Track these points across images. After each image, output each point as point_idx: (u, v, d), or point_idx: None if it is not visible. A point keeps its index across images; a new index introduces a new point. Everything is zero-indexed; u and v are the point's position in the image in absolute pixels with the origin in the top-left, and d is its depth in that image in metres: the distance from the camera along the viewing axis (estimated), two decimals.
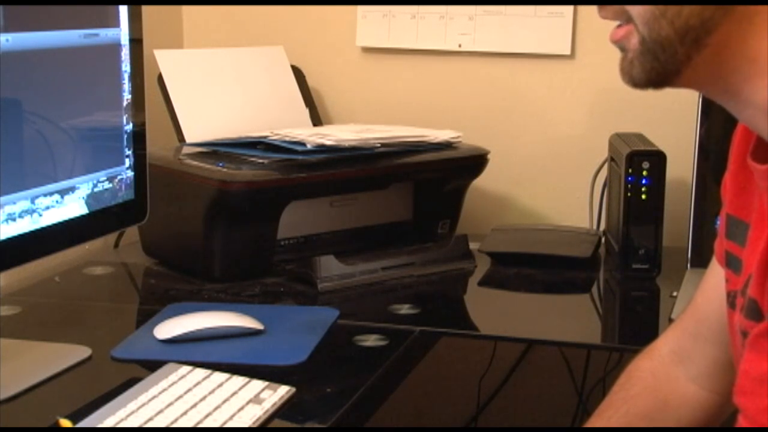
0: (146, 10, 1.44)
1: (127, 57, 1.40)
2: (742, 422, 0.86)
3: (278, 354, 1.30)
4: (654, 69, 0.83)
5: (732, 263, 0.97)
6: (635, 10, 0.83)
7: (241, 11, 2.11)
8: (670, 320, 1.42)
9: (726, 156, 1.03)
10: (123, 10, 1.38)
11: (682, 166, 1.73)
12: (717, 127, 1.64)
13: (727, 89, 0.85)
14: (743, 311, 0.89)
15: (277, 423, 1.12)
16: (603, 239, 1.82)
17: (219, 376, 1.18)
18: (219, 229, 1.60)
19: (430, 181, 1.81)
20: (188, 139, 1.78)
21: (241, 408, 1.10)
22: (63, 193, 1.30)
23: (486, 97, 2.01)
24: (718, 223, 1.05)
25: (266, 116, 1.88)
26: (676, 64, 0.83)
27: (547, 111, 1.99)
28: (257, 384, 1.16)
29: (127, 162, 1.42)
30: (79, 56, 1.32)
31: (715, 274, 1.07)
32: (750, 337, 0.86)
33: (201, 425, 1.06)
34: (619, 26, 0.86)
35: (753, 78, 0.82)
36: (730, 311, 0.96)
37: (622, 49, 0.86)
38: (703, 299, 1.11)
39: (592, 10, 0.93)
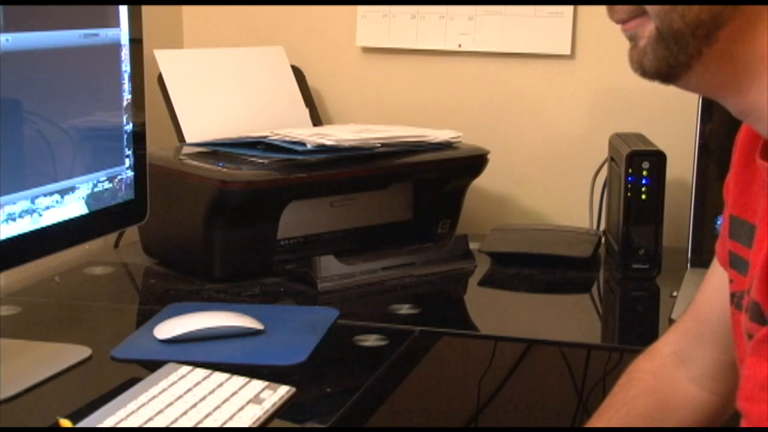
0: (146, 10, 1.43)
1: (127, 57, 1.40)
2: (745, 427, 0.86)
3: (278, 354, 1.30)
4: (665, 59, 0.84)
5: (736, 264, 0.97)
6: (650, 7, 0.83)
7: (241, 11, 2.11)
8: (670, 320, 1.42)
9: (726, 155, 1.03)
10: (123, 10, 1.38)
11: (682, 166, 1.73)
12: (717, 126, 1.64)
13: (735, 90, 0.85)
14: (748, 312, 0.89)
15: (277, 423, 1.11)
16: (603, 239, 1.82)
17: (219, 376, 1.18)
18: (219, 229, 1.60)
19: (430, 181, 1.81)
20: (188, 139, 1.78)
21: (241, 408, 1.10)
22: (63, 193, 1.30)
23: (486, 97, 2.01)
24: (719, 224, 1.05)
25: (266, 116, 1.88)
26: (687, 56, 0.83)
27: (547, 111, 1.99)
28: (257, 384, 1.16)
29: (127, 162, 1.42)
30: (79, 56, 1.32)
31: (717, 275, 1.07)
32: (753, 341, 0.86)
33: (201, 425, 1.06)
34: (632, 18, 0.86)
35: (761, 77, 0.83)
36: (736, 312, 0.96)
37: (632, 39, 0.86)
38: (704, 300, 1.11)
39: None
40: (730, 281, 0.99)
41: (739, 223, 0.97)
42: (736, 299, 0.96)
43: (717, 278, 1.07)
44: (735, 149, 1.00)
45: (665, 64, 0.84)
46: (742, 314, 0.92)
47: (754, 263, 0.90)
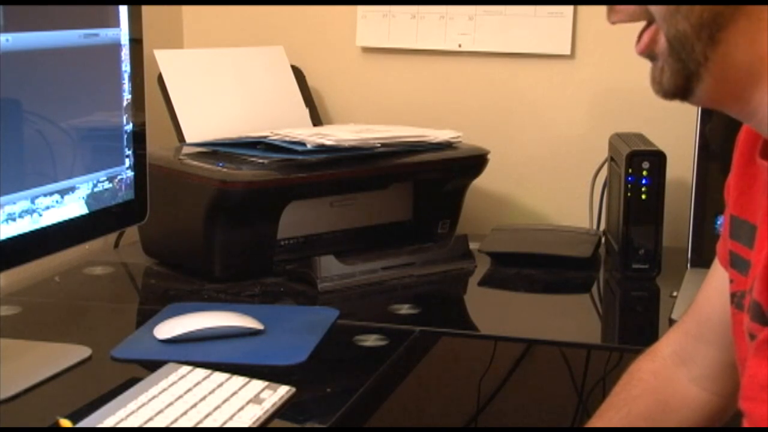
0: (146, 10, 1.43)
1: (127, 57, 1.40)
2: (746, 427, 0.86)
3: (278, 354, 1.30)
4: (679, 71, 0.85)
5: (737, 264, 0.97)
6: (654, 7, 0.85)
7: (241, 11, 2.11)
8: (670, 320, 1.42)
9: (726, 155, 1.03)
10: (123, 10, 1.38)
11: (682, 166, 1.73)
12: (717, 126, 1.64)
13: (738, 95, 0.86)
14: (749, 312, 0.89)
15: (277, 423, 1.11)
16: (603, 239, 1.82)
17: (219, 376, 1.18)
18: (219, 229, 1.60)
19: (430, 181, 1.81)
20: (188, 139, 1.78)
21: (241, 408, 1.10)
22: (63, 193, 1.30)
23: (486, 97, 2.01)
24: (719, 224, 1.05)
25: (266, 116, 1.88)
26: (695, 64, 0.85)
27: (547, 111, 1.99)
28: (257, 384, 1.16)
29: (127, 162, 1.42)
30: (79, 56, 1.32)
31: (718, 276, 1.07)
32: (755, 342, 0.86)
33: (201, 425, 1.06)
34: (641, 34, 0.87)
35: (762, 79, 0.83)
36: (737, 312, 0.96)
37: (652, 59, 0.88)
38: (705, 301, 1.11)
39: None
40: (731, 281, 0.99)
41: (739, 223, 0.98)
42: (736, 299, 0.96)
43: (718, 278, 1.07)
44: (736, 149, 1.00)
45: (681, 77, 0.86)
46: (743, 314, 0.92)
47: (755, 263, 0.90)
